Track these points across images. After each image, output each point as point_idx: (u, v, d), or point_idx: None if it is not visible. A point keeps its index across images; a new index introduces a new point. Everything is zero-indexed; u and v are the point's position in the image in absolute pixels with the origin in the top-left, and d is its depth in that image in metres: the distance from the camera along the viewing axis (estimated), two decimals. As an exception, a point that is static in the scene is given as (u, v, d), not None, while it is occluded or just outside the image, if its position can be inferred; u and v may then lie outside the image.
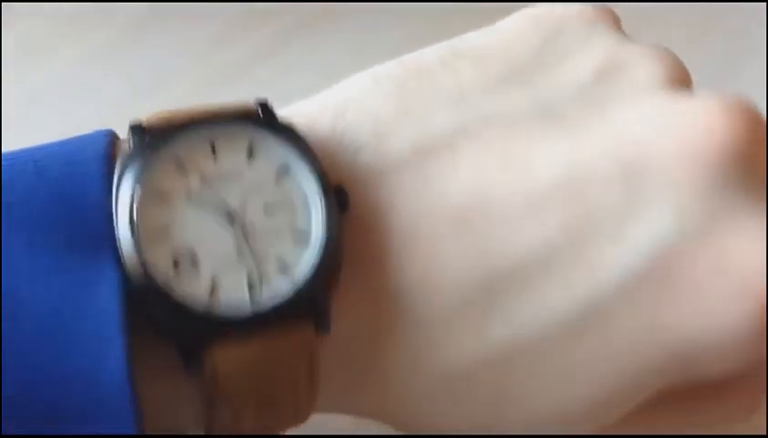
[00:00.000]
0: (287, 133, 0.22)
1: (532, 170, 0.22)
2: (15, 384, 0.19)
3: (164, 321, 0.20)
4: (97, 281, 0.19)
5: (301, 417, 0.21)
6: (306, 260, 0.21)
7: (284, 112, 0.23)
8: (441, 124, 0.22)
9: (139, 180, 0.20)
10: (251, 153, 0.21)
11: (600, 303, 0.21)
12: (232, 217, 0.21)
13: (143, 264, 0.19)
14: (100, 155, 0.21)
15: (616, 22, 0.25)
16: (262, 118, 0.22)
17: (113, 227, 0.20)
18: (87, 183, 0.20)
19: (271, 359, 0.20)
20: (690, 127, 0.21)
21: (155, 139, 0.21)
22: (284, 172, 0.21)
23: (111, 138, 0.22)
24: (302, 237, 0.21)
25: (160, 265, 0.20)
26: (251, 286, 0.20)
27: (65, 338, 0.19)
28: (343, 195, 0.21)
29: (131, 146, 0.21)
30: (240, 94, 0.24)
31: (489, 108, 0.23)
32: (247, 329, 0.20)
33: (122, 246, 0.20)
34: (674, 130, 0.21)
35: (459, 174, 0.22)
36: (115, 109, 0.41)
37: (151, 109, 0.23)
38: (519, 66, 0.24)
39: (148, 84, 0.43)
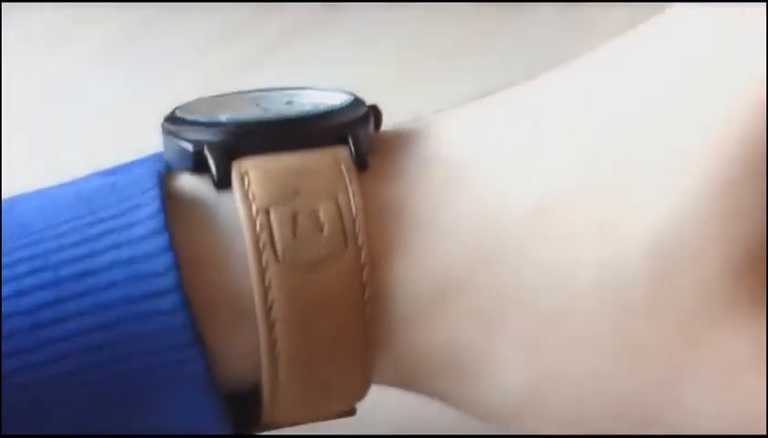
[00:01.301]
0: (330, 89, 0.23)
1: None
2: (49, 241, 0.20)
3: (196, 151, 0.20)
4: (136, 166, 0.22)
5: (347, 229, 0.20)
6: (332, 104, 0.22)
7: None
8: None
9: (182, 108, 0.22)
10: (288, 103, 0.22)
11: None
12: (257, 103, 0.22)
13: (174, 117, 0.22)
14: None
15: None
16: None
17: None
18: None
19: (303, 165, 0.20)
20: None
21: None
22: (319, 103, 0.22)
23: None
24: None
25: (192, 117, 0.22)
26: (280, 114, 0.21)
27: (98, 192, 0.20)
28: (376, 111, 0.22)
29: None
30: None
31: None
32: (276, 142, 0.20)
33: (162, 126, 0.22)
34: None
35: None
36: (116, 107, 0.41)
37: (153, 107, 0.24)
38: None
39: (149, 83, 0.43)
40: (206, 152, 0.20)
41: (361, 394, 0.22)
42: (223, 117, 0.21)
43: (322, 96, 0.22)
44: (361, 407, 0.24)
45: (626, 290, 0.20)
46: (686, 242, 0.19)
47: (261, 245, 0.20)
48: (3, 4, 0.46)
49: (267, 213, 0.20)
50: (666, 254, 0.19)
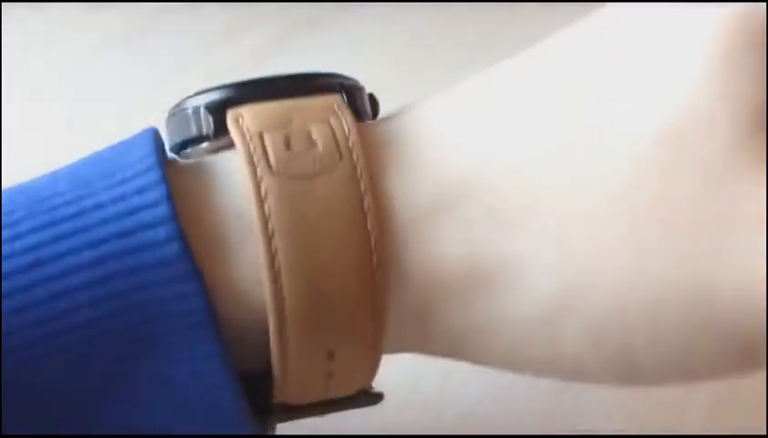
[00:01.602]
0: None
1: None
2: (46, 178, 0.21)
3: (193, 107, 0.21)
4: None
5: (341, 147, 0.20)
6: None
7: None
8: None
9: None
10: None
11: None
12: None
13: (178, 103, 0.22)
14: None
15: None
16: None
17: None
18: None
19: (295, 104, 0.21)
20: None
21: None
22: None
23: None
24: None
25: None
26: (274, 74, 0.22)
27: (99, 153, 0.21)
28: (373, 101, 0.22)
29: None
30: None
31: None
32: (269, 91, 0.21)
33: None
34: None
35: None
36: (116, 106, 0.41)
37: (152, 108, 0.24)
38: None
39: (149, 81, 0.43)
40: (202, 110, 0.21)
41: (376, 331, 0.21)
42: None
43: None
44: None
45: (647, 165, 0.19)
46: (695, 106, 0.19)
47: (255, 159, 0.20)
48: (3, 4, 0.46)
49: (261, 136, 0.20)
50: (678, 120, 0.19)
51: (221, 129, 0.20)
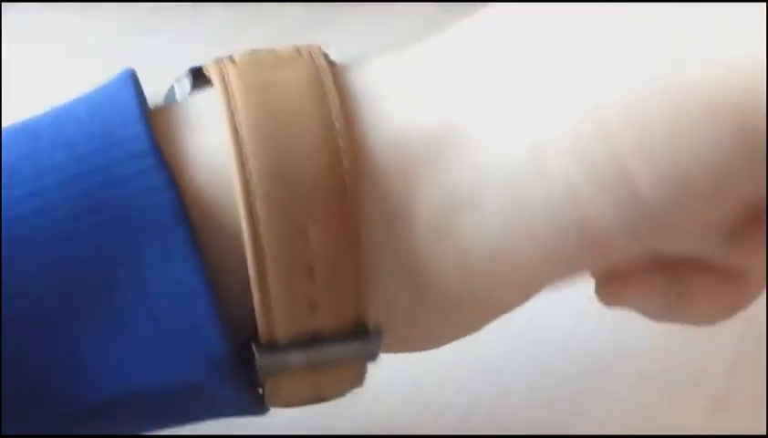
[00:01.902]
0: None
1: None
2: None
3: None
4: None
5: (303, 54, 0.21)
6: None
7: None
8: None
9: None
10: None
11: None
12: None
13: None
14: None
15: None
16: None
17: None
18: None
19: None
20: None
21: None
22: None
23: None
24: None
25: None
26: None
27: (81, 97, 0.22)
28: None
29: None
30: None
31: None
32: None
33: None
34: None
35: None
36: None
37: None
38: None
39: (148, 84, 0.43)
40: (186, 73, 0.23)
41: (351, 209, 0.20)
42: None
43: None
44: (360, 402, 0.24)
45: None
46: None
47: (221, 63, 0.21)
48: (3, 4, 0.46)
49: (230, 58, 0.21)
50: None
51: (200, 72, 0.22)
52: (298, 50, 0.21)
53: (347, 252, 0.20)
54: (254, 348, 0.20)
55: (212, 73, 0.21)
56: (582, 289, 0.23)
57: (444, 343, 0.23)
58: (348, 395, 0.23)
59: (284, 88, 0.20)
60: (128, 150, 0.20)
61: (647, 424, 0.28)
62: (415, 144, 0.20)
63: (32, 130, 0.21)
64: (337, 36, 0.45)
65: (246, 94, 0.20)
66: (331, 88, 0.20)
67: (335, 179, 0.20)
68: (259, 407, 0.22)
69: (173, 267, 0.19)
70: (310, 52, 0.21)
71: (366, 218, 0.20)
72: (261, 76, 0.20)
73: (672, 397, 0.29)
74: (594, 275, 0.23)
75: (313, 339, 0.20)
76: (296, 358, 0.20)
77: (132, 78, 0.22)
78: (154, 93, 0.23)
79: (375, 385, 0.23)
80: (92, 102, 0.21)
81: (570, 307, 0.31)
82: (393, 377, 0.24)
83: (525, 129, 0.20)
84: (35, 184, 0.20)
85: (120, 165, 0.20)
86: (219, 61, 0.21)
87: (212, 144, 0.20)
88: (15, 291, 0.19)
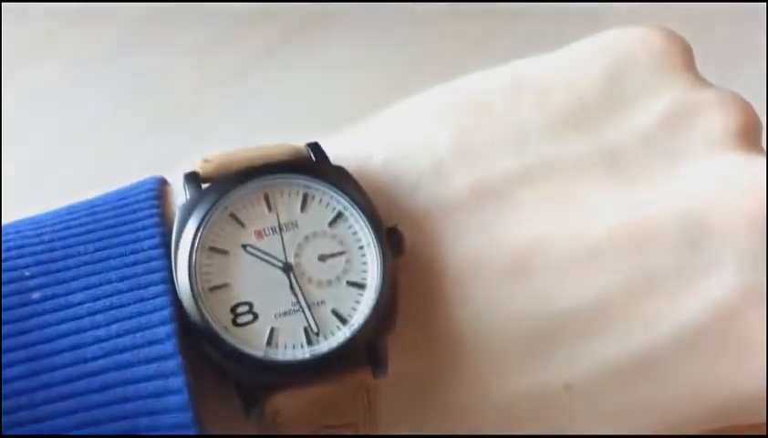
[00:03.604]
0: (340, 178, 0.22)
1: (592, 220, 0.22)
2: (83, 426, 0.19)
3: (224, 366, 0.20)
4: (154, 322, 0.20)
5: None
6: (361, 309, 0.21)
7: (333, 143, 0.23)
8: (501, 168, 0.22)
9: (197, 234, 0.21)
10: (304, 203, 0.22)
11: (654, 355, 0.21)
12: (288, 269, 0.21)
13: (201, 310, 0.20)
14: (151, 198, 0.21)
15: (688, 56, 0.24)
16: (314, 162, 0.22)
17: (170, 274, 0.20)
18: (140, 229, 0.21)
19: (330, 402, 0.21)
20: (755, 191, 0.21)
21: (211, 191, 0.21)
22: (337, 219, 0.22)
23: (160, 184, 0.22)
24: (356, 286, 0.21)
25: (220, 315, 0.20)
26: (308, 335, 0.20)
27: (126, 376, 0.19)
28: (398, 237, 0.21)
29: (188, 196, 0.21)
30: (240, 95, 0.24)
31: (550, 152, 0.23)
32: (306, 376, 0.20)
33: (181, 292, 0.20)
34: (740, 193, 0.21)
35: (517, 219, 0.22)
36: (114, 109, 0.41)
37: (152, 108, 0.24)
38: (582, 106, 0.23)
39: (148, 84, 0.43)
40: (238, 385, 0.20)
41: None
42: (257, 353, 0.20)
43: (338, 201, 0.22)
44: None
45: None
46: None
47: None
48: (3, 4, 0.46)
49: None
50: None
51: (253, 408, 0.20)
52: (343, 368, 0.20)
53: None
54: None
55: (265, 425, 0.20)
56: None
57: None
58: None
59: None
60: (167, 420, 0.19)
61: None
62: None
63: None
64: (334, 39, 0.45)
65: None
66: None
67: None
68: None
69: None
70: None
71: None
72: (309, 401, 0.20)
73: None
74: None
75: None
76: None
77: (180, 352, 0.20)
78: (153, 90, 0.23)
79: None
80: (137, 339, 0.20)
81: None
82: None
83: None
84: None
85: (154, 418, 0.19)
86: None
87: None
88: None
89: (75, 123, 0.41)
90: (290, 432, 0.20)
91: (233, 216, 0.21)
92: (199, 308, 0.20)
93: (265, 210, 0.21)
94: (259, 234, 0.21)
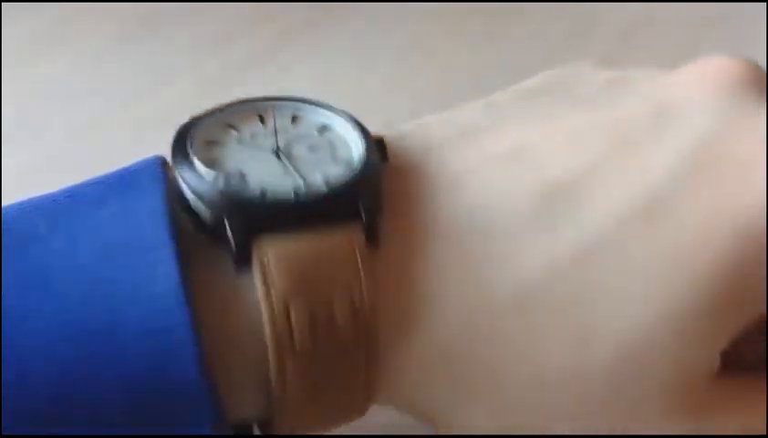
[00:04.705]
0: (330, 108, 0.24)
1: (570, 118, 0.24)
2: (72, 298, 0.20)
3: (214, 219, 0.21)
4: (141, 193, 0.22)
5: (359, 324, 0.21)
6: (347, 173, 0.22)
7: None
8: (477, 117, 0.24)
9: (192, 131, 0.23)
10: (294, 120, 0.24)
11: (659, 193, 0.22)
12: (278, 151, 0.23)
13: (192, 166, 0.22)
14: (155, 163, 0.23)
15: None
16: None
17: (165, 170, 0.22)
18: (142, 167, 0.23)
19: (320, 253, 0.21)
20: (706, 66, 0.24)
21: (209, 110, 0.23)
22: (325, 129, 0.24)
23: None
24: (343, 161, 0.23)
25: (211, 173, 0.22)
26: (296, 188, 0.22)
27: (115, 249, 0.21)
28: (382, 145, 0.23)
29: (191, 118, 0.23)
30: (240, 94, 0.24)
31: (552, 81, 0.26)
32: (294, 222, 0.21)
33: (174, 158, 0.22)
34: (695, 72, 0.24)
35: (506, 132, 0.24)
36: (115, 108, 0.41)
37: (152, 108, 0.24)
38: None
39: (148, 84, 0.43)
40: (225, 223, 0.21)
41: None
42: (234, 163, 0.22)
43: (327, 116, 0.24)
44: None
45: (585, 387, 0.22)
46: (646, 359, 0.22)
47: (281, 341, 0.21)
48: (3, 4, 0.46)
49: (287, 308, 0.21)
50: (626, 366, 0.22)
51: (244, 259, 0.21)
52: (356, 330, 0.21)
53: None
54: None
55: (271, 359, 0.21)
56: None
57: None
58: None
59: (333, 384, 0.21)
60: (185, 395, 0.20)
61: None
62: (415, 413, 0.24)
63: (80, 343, 0.20)
64: (334, 39, 0.45)
65: (300, 396, 0.21)
66: (370, 382, 0.22)
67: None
68: None
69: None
70: (368, 331, 0.22)
71: None
72: (318, 374, 0.21)
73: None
74: None
75: None
76: None
77: (180, 269, 0.21)
78: (155, 89, 0.23)
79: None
80: (145, 325, 0.20)
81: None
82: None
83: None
84: (85, 410, 0.20)
85: (175, 402, 0.20)
86: (277, 333, 0.21)
87: (257, 406, 0.22)
88: None
89: (75, 123, 0.40)
90: (280, 288, 0.21)
91: (228, 125, 0.23)
92: (191, 162, 0.22)
93: (259, 123, 0.23)
94: (253, 135, 0.23)
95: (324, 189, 0.22)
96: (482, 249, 0.22)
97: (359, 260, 0.21)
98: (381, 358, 0.22)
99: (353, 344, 0.21)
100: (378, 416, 0.28)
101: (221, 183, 0.21)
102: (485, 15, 0.46)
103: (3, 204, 0.22)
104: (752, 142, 0.22)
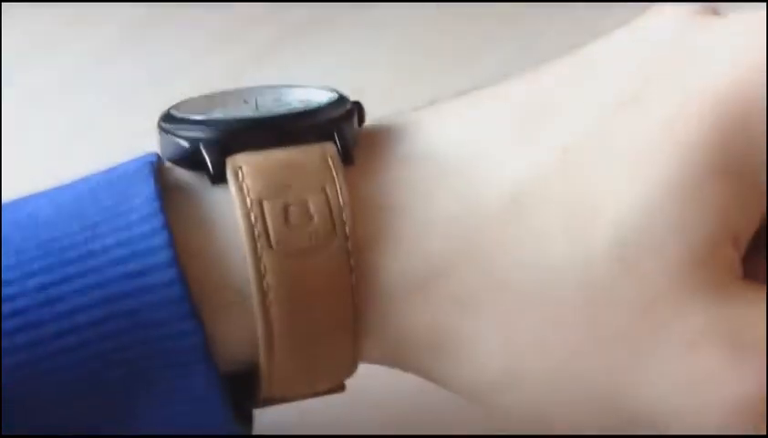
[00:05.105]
0: (312, 86, 0.24)
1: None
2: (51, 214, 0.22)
3: (191, 146, 0.22)
4: (130, 166, 0.22)
5: (334, 219, 0.22)
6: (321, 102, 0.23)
7: None
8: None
9: (178, 106, 0.24)
10: (276, 100, 0.24)
11: (629, 86, 0.22)
12: (253, 104, 0.24)
13: (174, 118, 0.23)
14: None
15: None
16: None
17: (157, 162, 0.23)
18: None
19: (293, 160, 0.22)
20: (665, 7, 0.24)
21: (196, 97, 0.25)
22: (305, 100, 0.24)
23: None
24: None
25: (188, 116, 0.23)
26: (270, 112, 0.23)
27: (99, 186, 0.22)
28: (360, 109, 0.24)
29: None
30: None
31: None
32: (269, 140, 0.22)
33: (158, 126, 0.23)
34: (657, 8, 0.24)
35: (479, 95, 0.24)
36: (115, 109, 0.41)
37: (152, 109, 0.24)
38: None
39: (148, 84, 0.43)
40: (201, 148, 0.22)
41: (351, 371, 0.23)
42: (217, 114, 0.23)
43: (308, 93, 0.24)
44: (358, 404, 0.24)
45: (593, 277, 0.21)
46: (649, 231, 0.21)
47: (256, 234, 0.21)
48: (3, 4, 0.46)
49: (261, 205, 0.21)
50: (630, 242, 0.21)
51: (220, 174, 0.22)
52: (333, 221, 0.22)
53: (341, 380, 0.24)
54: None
55: (247, 256, 0.21)
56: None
57: None
58: (350, 396, 0.23)
59: (315, 283, 0.21)
60: (159, 297, 0.21)
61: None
62: (411, 347, 0.23)
63: (60, 261, 0.21)
64: (334, 39, 0.45)
65: (281, 293, 0.21)
66: (358, 281, 0.22)
67: (346, 359, 0.23)
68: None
69: (197, 394, 0.22)
70: (345, 223, 0.22)
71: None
72: (296, 268, 0.21)
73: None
74: None
75: None
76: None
77: (159, 196, 0.22)
78: (153, 90, 0.23)
79: (376, 384, 0.23)
80: (122, 235, 0.21)
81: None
82: (394, 377, 0.24)
83: (496, 370, 0.23)
84: (67, 322, 0.21)
85: (151, 310, 0.21)
86: (252, 225, 0.21)
87: (242, 325, 0.22)
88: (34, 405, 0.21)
89: (75, 123, 0.41)
90: (255, 198, 0.21)
91: (212, 103, 0.24)
92: (172, 116, 0.23)
93: (243, 104, 0.24)
94: (235, 109, 0.24)
95: (299, 107, 0.23)
96: (465, 166, 0.22)
97: (333, 168, 0.22)
98: (365, 275, 0.22)
99: (330, 238, 0.21)
100: (379, 416, 0.28)
101: (197, 117, 0.23)
102: (485, 17, 0.46)
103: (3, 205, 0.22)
104: (710, 35, 0.22)
